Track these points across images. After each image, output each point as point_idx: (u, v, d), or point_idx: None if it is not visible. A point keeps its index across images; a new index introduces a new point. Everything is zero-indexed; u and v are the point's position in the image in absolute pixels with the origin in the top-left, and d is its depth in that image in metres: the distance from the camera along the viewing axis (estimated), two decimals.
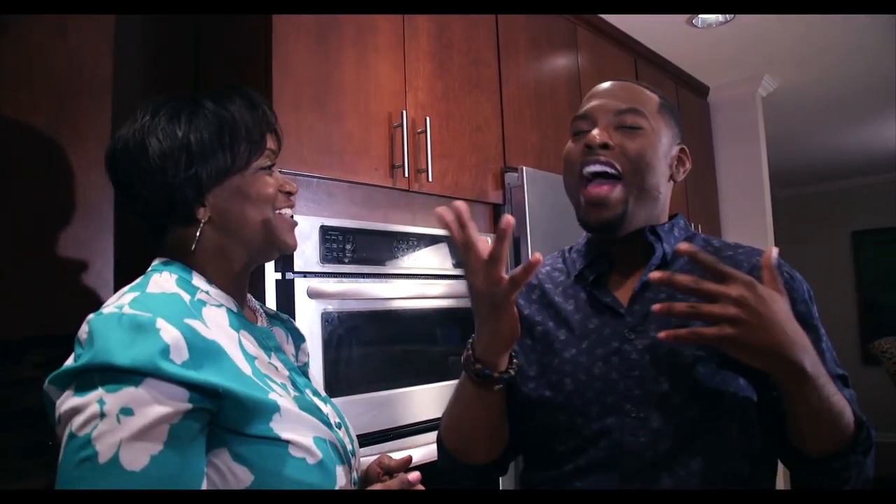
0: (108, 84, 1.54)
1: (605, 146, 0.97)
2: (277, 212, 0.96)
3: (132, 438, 0.70)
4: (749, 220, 3.74)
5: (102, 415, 0.70)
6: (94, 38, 1.37)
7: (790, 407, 0.86)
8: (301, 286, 1.52)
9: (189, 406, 0.74)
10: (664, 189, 1.04)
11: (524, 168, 2.09)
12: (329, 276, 1.59)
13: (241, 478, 0.78)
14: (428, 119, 1.85)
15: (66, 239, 1.27)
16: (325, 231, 1.59)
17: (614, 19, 2.81)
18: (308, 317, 1.52)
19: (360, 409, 1.59)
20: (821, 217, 6.94)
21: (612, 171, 0.97)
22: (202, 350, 0.78)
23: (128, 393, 0.71)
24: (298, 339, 1.10)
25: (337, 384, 1.55)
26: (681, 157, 1.07)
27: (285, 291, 1.51)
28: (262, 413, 0.81)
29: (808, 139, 5.12)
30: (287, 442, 0.82)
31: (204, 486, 0.75)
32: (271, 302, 1.48)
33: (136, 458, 0.70)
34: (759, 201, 3.74)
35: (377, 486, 0.92)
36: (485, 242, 0.85)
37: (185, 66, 1.79)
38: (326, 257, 1.59)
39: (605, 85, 1.05)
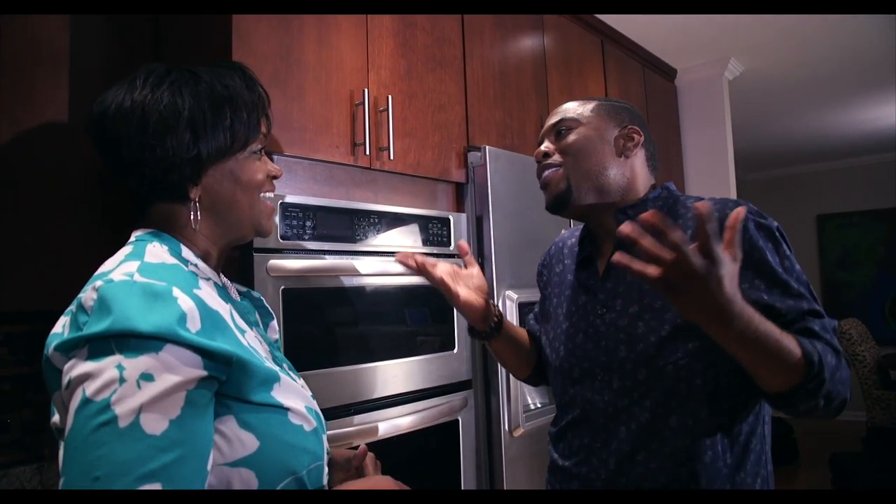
0: (64, 57, 1.53)
1: (545, 156, 1.22)
2: (262, 196, 0.97)
3: (152, 403, 0.71)
4: None
5: (122, 380, 0.70)
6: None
7: (734, 356, 0.92)
8: (260, 263, 1.52)
9: (204, 373, 0.75)
10: (612, 165, 1.19)
11: (487, 147, 2.08)
12: (289, 253, 1.60)
13: (248, 444, 0.79)
14: (390, 97, 1.85)
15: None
16: (284, 208, 1.59)
17: None
18: (268, 294, 1.52)
19: (322, 384, 1.61)
20: (787, 200, 7.08)
21: (555, 166, 1.21)
22: (211, 320, 0.79)
23: (148, 359, 0.72)
24: (267, 316, 1.10)
25: (299, 360, 1.55)
26: (629, 134, 1.20)
27: (244, 268, 1.52)
28: (265, 381, 0.83)
29: (774, 123, 5.19)
30: (288, 409, 0.84)
31: (211, 454, 0.76)
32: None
33: (156, 423, 0.70)
34: (724, 184, 3.79)
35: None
36: (445, 266, 1.26)
37: (144, 37, 1.76)
38: (286, 234, 1.59)
39: (553, 112, 1.28)
